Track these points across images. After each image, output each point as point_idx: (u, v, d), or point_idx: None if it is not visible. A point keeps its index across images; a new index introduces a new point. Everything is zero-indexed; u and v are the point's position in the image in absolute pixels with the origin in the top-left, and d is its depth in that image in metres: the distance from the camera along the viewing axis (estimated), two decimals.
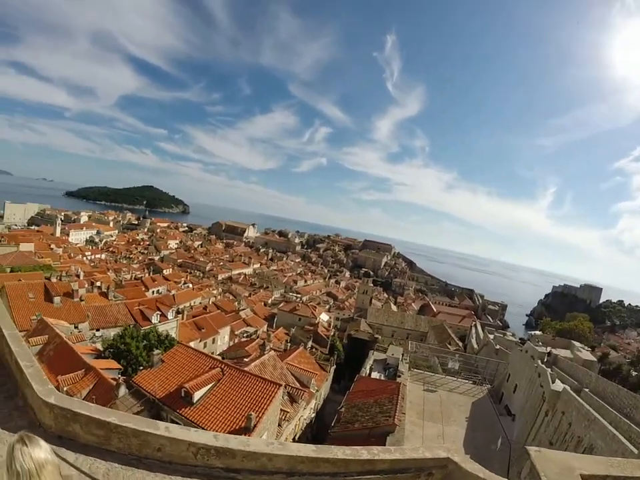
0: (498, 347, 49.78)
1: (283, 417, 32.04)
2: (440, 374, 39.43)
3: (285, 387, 32.94)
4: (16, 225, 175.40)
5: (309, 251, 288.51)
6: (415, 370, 39.75)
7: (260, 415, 25.00)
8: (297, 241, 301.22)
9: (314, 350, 61.49)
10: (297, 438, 35.88)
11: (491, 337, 58.28)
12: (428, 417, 28.46)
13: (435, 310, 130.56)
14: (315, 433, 41.79)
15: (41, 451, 2.64)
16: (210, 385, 27.61)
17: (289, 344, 60.35)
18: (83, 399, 18.78)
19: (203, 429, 21.89)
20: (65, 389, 25.86)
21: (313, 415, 41.88)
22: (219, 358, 34.22)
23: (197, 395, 26.47)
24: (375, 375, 40.70)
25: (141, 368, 33.44)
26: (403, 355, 43.49)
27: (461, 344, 74.16)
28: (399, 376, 36.51)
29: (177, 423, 23.47)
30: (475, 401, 33.73)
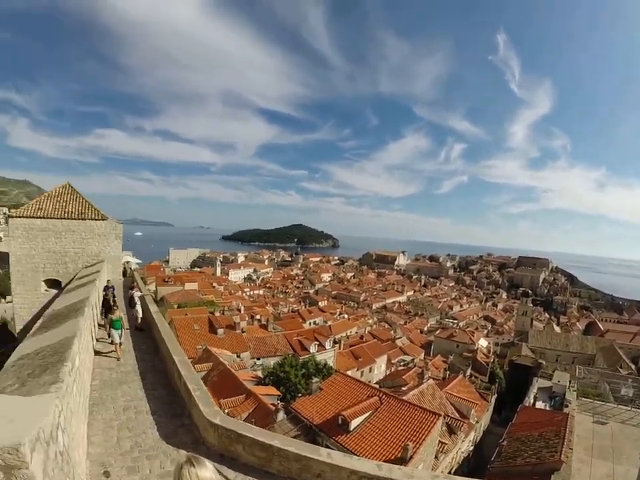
0: None
1: (440, 449, 30.37)
2: (611, 403, 34.80)
3: (444, 417, 31.38)
4: (180, 268, 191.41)
5: (462, 273, 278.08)
6: (583, 399, 35.56)
7: (417, 446, 24.02)
8: (448, 264, 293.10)
9: (473, 378, 58.80)
10: (452, 471, 33.65)
11: None
12: (597, 453, 24.66)
13: (602, 328, 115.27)
14: (472, 467, 39.08)
15: (207, 471, 2.69)
16: (367, 414, 27.17)
17: (447, 372, 58.50)
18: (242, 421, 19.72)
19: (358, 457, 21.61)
20: (226, 411, 27.02)
21: (471, 448, 39.25)
22: (377, 386, 33.76)
23: (354, 423, 26.15)
24: (539, 404, 37.33)
25: (299, 395, 34.16)
26: (570, 381, 38.98)
27: (633, 367, 64.08)
28: (566, 405, 32.62)
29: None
30: None
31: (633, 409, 31.51)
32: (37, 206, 31.95)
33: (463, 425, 34.76)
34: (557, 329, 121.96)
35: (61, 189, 34.23)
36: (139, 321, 19.56)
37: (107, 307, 17.61)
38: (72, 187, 34.76)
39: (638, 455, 24.47)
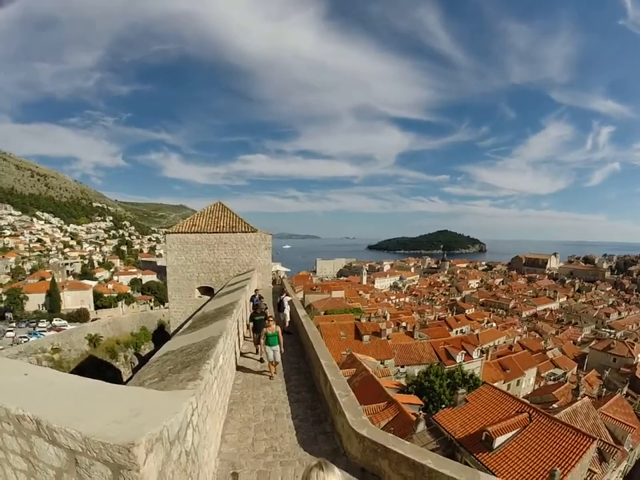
0: None
1: (589, 477, 27.32)
2: None
3: (597, 442, 28.71)
4: (327, 277, 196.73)
5: (621, 276, 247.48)
6: None
7: (566, 472, 22.16)
8: (605, 266, 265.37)
9: (630, 398, 53.22)
10: None
11: None
12: None
13: None
14: None
15: (334, 477, 2.75)
16: (514, 431, 25.84)
17: (603, 389, 54.01)
18: (381, 429, 19.37)
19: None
20: (366, 417, 26.97)
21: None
22: (527, 402, 31.93)
23: (499, 441, 25.00)
24: None
25: (443, 406, 33.44)
26: None
27: None
28: None
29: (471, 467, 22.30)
30: None
31: None
32: (191, 222, 35.43)
33: (616, 452, 31.44)
34: None
35: (212, 207, 37.46)
36: (287, 324, 19.85)
37: (258, 320, 16.11)
38: (223, 205, 37.81)
39: None
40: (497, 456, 24.29)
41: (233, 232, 35.03)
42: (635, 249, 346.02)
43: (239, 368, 14.26)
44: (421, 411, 31.84)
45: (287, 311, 20.13)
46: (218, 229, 34.89)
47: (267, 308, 18.25)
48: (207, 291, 35.00)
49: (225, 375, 10.30)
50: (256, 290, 22.91)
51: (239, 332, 16.03)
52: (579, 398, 36.05)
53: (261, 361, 15.12)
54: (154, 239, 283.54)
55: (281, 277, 42.80)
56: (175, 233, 34.68)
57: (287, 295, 20.95)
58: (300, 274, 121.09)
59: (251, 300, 21.17)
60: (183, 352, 8.73)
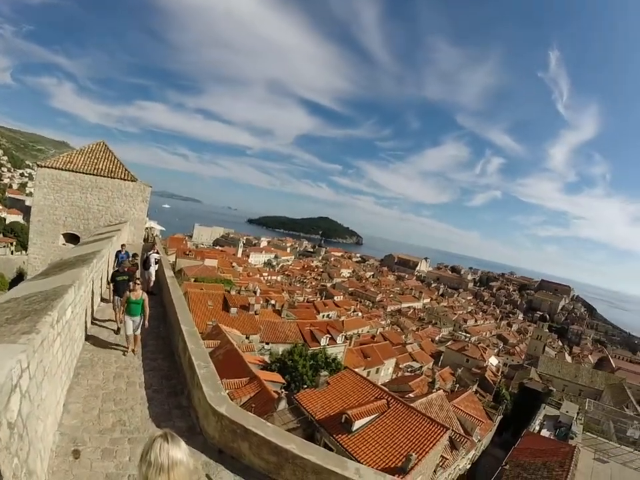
0: None
1: (440, 463, 29.00)
2: (613, 442, 32.99)
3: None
4: (202, 244, 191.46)
5: (482, 289, 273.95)
6: (587, 433, 34.25)
7: (420, 457, 22.83)
8: (469, 277, 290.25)
9: (479, 395, 57.28)
10: None
11: None
12: None
13: (613, 365, 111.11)
14: None
15: (179, 451, 2.42)
16: (373, 416, 26.13)
17: (456, 385, 57.75)
18: (241, 405, 18.57)
19: (357, 460, 20.54)
20: (226, 392, 26.07)
21: (468, 466, 37.84)
22: (386, 389, 32.55)
23: (358, 424, 25.08)
24: (544, 432, 36.12)
25: (305, 386, 33.47)
26: (577, 413, 38.26)
27: (639, 408, 61.52)
28: (572, 438, 32.02)
29: (330, 449, 22.31)
30: None
31: (635, 451, 30.40)
32: (67, 159, 31.45)
33: (466, 442, 33.47)
34: (569, 358, 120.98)
35: (94, 146, 33.74)
36: (152, 283, 17.99)
37: (120, 281, 13.20)
38: (106, 145, 34.29)
39: None
40: (356, 438, 24.37)
41: (111, 177, 31.82)
42: (498, 268, 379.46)
43: (89, 337, 11.76)
44: (283, 390, 31.55)
45: (152, 269, 18.25)
46: (95, 171, 31.47)
47: (135, 266, 16.17)
48: (72, 238, 31.38)
49: (73, 332, 8.64)
50: (123, 245, 19.38)
51: (95, 292, 13.82)
52: (434, 390, 37.55)
53: (117, 331, 12.61)
54: (27, 175, 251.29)
55: (154, 234, 40.13)
56: (48, 167, 30.52)
57: (156, 252, 19.02)
58: (175, 236, 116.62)
59: (116, 256, 18.24)
60: (27, 300, 6.95)
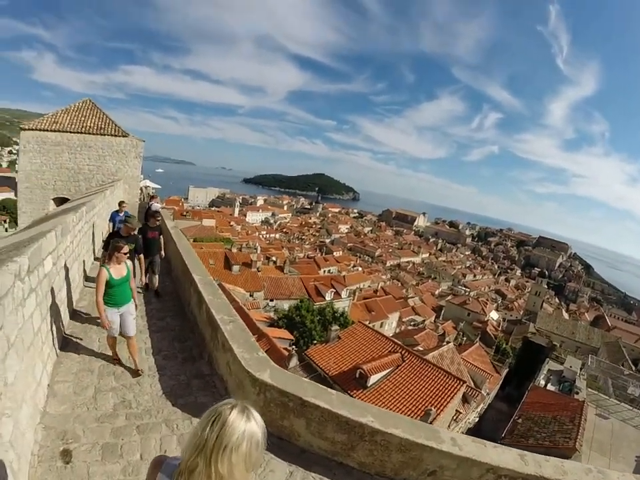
0: None
1: (455, 417, 28.56)
2: (613, 399, 32.26)
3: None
4: (198, 206, 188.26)
5: (480, 244, 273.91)
6: (589, 390, 33.65)
7: (439, 412, 22.27)
8: (467, 232, 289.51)
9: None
10: None
11: None
12: (596, 446, 23.39)
13: (609, 324, 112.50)
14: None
15: (258, 428, 1.71)
16: (388, 370, 25.31)
17: (463, 338, 58.41)
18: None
19: None
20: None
21: (477, 420, 37.60)
22: (400, 342, 31.72)
23: (373, 379, 24.30)
24: (549, 387, 35.82)
25: (315, 342, 32.54)
26: (580, 369, 37.79)
27: (634, 368, 62.17)
28: (577, 392, 31.42)
29: None
30: None
31: (635, 409, 30.23)
32: (53, 119, 29.07)
33: (477, 396, 33.22)
34: (566, 315, 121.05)
35: (80, 104, 31.24)
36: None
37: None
38: (92, 102, 31.85)
39: (634, 457, 23.56)
40: (372, 394, 23.65)
41: (101, 134, 29.59)
42: (496, 224, 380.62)
43: (83, 298, 9.61)
44: (293, 346, 31.25)
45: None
46: (84, 129, 29.13)
47: (136, 234, 9.89)
48: (63, 202, 29.47)
49: (59, 290, 6.81)
50: (122, 203, 14.50)
51: (86, 250, 11.40)
52: (444, 343, 37.38)
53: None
54: (15, 152, 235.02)
55: (150, 194, 38.34)
56: (32, 129, 28.22)
57: (157, 202, 17.07)
58: (170, 198, 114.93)
59: (111, 219, 13.81)
60: None
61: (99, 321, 7.24)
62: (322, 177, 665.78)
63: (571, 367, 37.23)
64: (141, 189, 36.96)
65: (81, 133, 29.17)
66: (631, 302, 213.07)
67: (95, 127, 29.71)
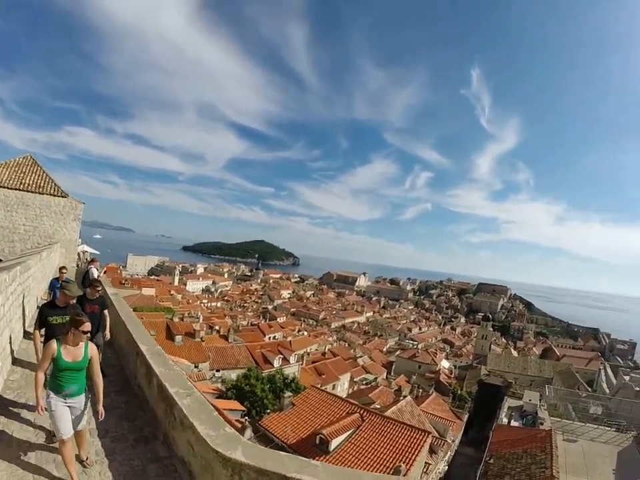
0: (639, 388, 44.08)
1: (425, 470, 27.88)
2: (575, 421, 33.91)
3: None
4: (137, 275, 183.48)
5: (422, 297, 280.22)
6: (552, 418, 34.69)
7: (408, 467, 21.45)
8: (408, 288, 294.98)
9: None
10: None
11: (627, 378, 51.16)
12: (571, 470, 23.83)
13: (558, 354, 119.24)
14: None
15: None
16: (349, 432, 24.35)
17: (419, 390, 58.25)
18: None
19: None
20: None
21: (446, 468, 37.17)
22: (356, 402, 31.10)
23: (335, 443, 23.26)
24: (513, 423, 36.21)
25: (268, 411, 31.57)
26: (540, 400, 39.16)
27: (590, 389, 65.54)
28: (541, 423, 32.30)
29: None
30: (620, 450, 28.38)
31: (600, 427, 31.97)
32: None
33: (443, 444, 33.41)
34: (515, 353, 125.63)
35: (20, 160, 29.91)
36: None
37: (57, 325, 7.28)
38: (34, 159, 30.62)
39: (611, 471, 24.50)
40: (335, 458, 22.60)
41: (40, 192, 28.24)
42: (436, 276, 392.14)
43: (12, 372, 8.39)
44: (245, 417, 29.82)
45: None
46: (22, 186, 27.79)
47: (76, 303, 8.58)
48: None
49: None
50: (62, 269, 13.35)
51: (15, 320, 9.88)
52: (401, 398, 37.41)
53: (50, 437, 6.08)
54: None
55: (87, 259, 36.65)
56: None
57: (95, 267, 15.42)
58: (109, 265, 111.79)
59: (51, 287, 12.81)
60: None
61: (29, 396, 6.25)
62: (261, 243, 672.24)
63: (530, 400, 38.55)
64: (79, 254, 35.30)
65: (19, 189, 27.82)
66: (575, 329, 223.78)
67: (34, 185, 28.52)
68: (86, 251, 39.41)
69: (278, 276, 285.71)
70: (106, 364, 9.80)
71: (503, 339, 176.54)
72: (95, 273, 14.69)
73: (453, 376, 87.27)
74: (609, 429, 32.10)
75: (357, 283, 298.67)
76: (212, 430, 4.94)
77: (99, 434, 6.51)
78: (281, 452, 4.90)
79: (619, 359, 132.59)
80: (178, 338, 48.46)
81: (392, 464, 21.53)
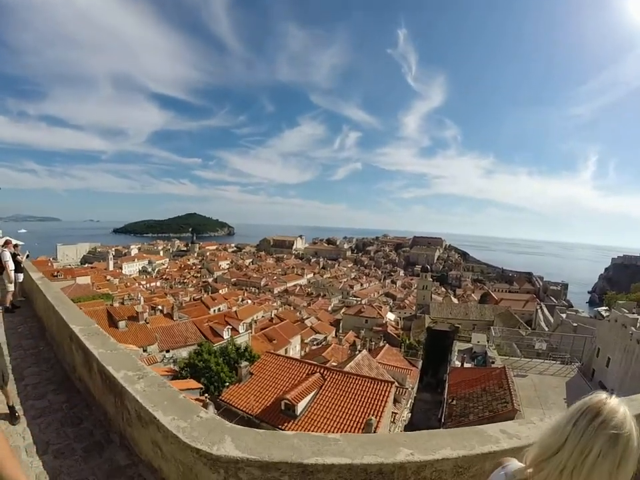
0: (576, 324, 48.34)
1: (392, 419, 28.58)
2: (522, 358, 36.15)
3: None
4: (70, 265, 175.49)
5: (360, 254, 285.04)
6: (500, 357, 36.63)
7: (379, 419, 21.50)
8: (346, 246, 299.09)
9: None
10: None
11: (564, 316, 56.06)
12: (526, 402, 25.20)
13: (496, 298, 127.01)
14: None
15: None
16: (313, 393, 23.99)
17: (372, 343, 58.99)
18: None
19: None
20: None
21: (409, 415, 38.09)
22: (315, 362, 30.82)
23: (301, 406, 22.83)
24: (466, 365, 37.12)
25: (226, 384, 30.56)
26: (488, 341, 41.16)
27: (529, 328, 70.33)
28: (492, 362, 33.89)
29: None
30: (568, 381, 30.73)
31: (546, 362, 34.36)
32: None
33: (404, 393, 34.60)
34: (455, 300, 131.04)
35: None
36: (10, 296, 11.85)
37: None
38: None
39: (563, 400, 25.98)
40: (303, 421, 22.42)
41: None
42: (371, 233, 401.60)
43: None
44: (205, 395, 28.67)
45: (11, 272, 12.12)
46: None
47: None
48: None
49: None
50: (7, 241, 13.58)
51: None
52: (357, 352, 38.13)
53: None
54: None
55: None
56: None
57: (11, 248, 12.97)
58: (38, 259, 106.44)
59: None
60: None
61: None
62: (194, 216, 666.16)
63: (478, 342, 40.14)
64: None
65: None
66: (509, 274, 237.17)
67: None
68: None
69: (214, 247, 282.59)
70: (39, 358, 8.31)
71: (443, 288, 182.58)
72: (6, 255, 12.43)
73: (399, 327, 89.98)
74: (554, 362, 34.24)
75: (294, 247, 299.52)
76: (183, 420, 3.63)
77: (38, 450, 4.94)
78: (285, 432, 3.66)
79: (554, 299, 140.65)
80: (121, 323, 46.13)
81: (362, 418, 21.57)
